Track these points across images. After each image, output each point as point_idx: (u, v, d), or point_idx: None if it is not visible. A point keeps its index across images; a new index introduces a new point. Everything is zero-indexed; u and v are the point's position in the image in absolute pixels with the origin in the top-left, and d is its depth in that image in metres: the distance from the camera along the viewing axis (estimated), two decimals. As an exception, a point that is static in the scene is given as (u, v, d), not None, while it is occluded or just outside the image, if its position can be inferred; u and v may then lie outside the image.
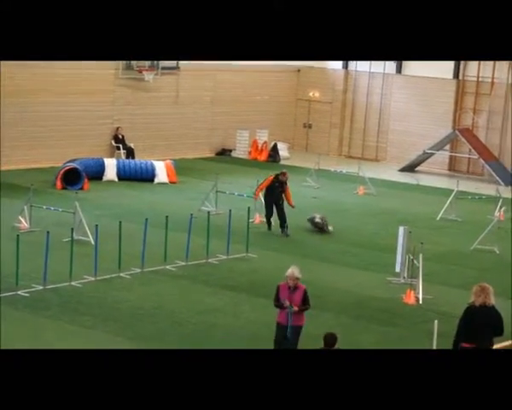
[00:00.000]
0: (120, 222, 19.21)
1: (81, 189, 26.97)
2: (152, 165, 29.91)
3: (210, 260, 20.14)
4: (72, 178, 27.57)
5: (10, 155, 29.96)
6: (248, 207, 22.14)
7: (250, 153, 36.50)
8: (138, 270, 19.02)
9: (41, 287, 17.35)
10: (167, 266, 19.47)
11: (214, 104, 36.21)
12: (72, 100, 31.53)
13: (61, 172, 27.65)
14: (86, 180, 27.69)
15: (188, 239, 19.91)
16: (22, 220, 21.97)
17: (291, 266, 13.82)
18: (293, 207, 23.40)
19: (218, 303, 17.45)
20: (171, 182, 29.69)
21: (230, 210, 21.25)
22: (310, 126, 38.99)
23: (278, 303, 13.62)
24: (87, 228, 20.84)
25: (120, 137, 32.74)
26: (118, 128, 32.78)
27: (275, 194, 23.23)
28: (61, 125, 31.44)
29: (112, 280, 18.33)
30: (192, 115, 35.47)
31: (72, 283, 17.79)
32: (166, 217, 20.14)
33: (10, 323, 15.48)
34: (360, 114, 37.97)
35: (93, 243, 19.36)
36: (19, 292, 16.98)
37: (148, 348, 14.67)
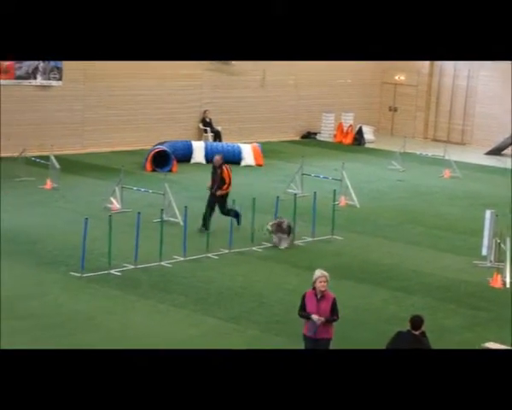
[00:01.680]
0: (209, 204, 19.36)
1: (170, 171, 27.25)
2: (239, 148, 30.05)
3: (296, 242, 20.16)
4: (161, 160, 27.87)
5: (99, 138, 30.44)
6: (334, 190, 22.10)
7: (335, 136, 36.37)
8: (226, 251, 19.15)
9: (132, 266, 17.61)
10: (254, 248, 19.56)
11: (299, 88, 36.15)
12: (161, 84, 31.85)
13: (151, 154, 27.96)
14: (175, 162, 27.96)
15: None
16: (114, 201, 22.30)
17: (317, 269, 12.36)
18: (219, 194, 20.25)
19: (304, 284, 17.44)
20: (257, 164, 29.78)
21: (315, 192, 21.23)
22: (395, 110, 38.65)
23: (303, 313, 12.07)
24: (176, 209, 21.07)
25: (208, 120, 32.97)
26: (205, 111, 33.02)
27: (212, 183, 20.45)
28: (150, 108, 31.78)
29: (200, 260, 18.49)
30: (278, 99, 35.49)
31: (162, 262, 18.01)
32: (253, 199, 20.23)
33: (103, 300, 15.79)
34: (446, 97, 37.50)
35: (182, 223, 19.57)
36: (111, 271, 17.26)
37: (235, 327, 14.84)
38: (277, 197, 20.64)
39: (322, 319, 11.84)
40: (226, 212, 20.32)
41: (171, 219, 20.82)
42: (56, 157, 24.96)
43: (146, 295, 16.20)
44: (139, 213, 18.19)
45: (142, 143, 30.49)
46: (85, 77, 30.00)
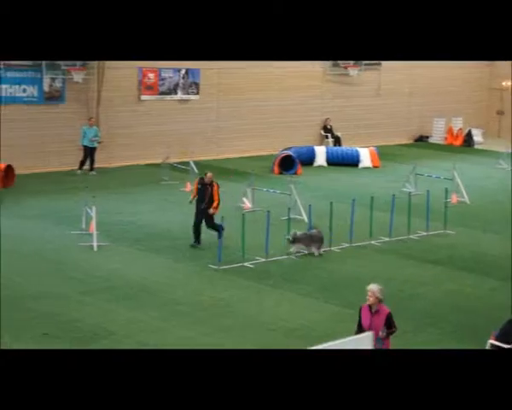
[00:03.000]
0: (331, 203, 19.40)
1: (295, 173, 27.39)
2: (357, 151, 29.97)
3: (411, 236, 19.98)
4: (287, 164, 28.05)
5: (232, 145, 30.86)
6: (446, 188, 21.80)
7: (446, 139, 35.88)
8: (347, 245, 19.14)
9: (263, 259, 17.80)
10: (372, 242, 19.48)
11: (412, 95, 35.78)
12: (285, 95, 32.03)
13: (278, 158, 28.19)
14: (299, 166, 28.09)
15: (391, 217, 19.85)
16: (246, 201, 22.58)
17: (371, 283, 11.03)
18: (211, 213, 18.48)
19: (420, 275, 17.31)
20: (374, 166, 29.63)
21: (428, 191, 20.98)
22: (502, 113, 37.79)
23: (359, 330, 10.65)
24: (301, 208, 21.18)
25: (329, 127, 32.99)
26: (327, 119, 33.04)
27: (199, 198, 18.74)
28: (276, 117, 32.00)
29: (324, 253, 18.53)
30: (392, 106, 35.21)
31: (290, 256, 18.14)
32: (371, 198, 20.15)
33: (238, 290, 16.02)
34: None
35: (307, 220, 19.65)
36: (245, 264, 17.49)
37: (352, 313, 14.79)
38: (393, 195, 20.51)
39: (382, 334, 10.50)
40: (211, 226, 18.57)
41: (297, 216, 20.93)
42: (195, 163, 25.45)
43: (276, 285, 16.35)
44: (268, 211, 18.37)
45: (269, 149, 30.74)
46: (219, 91, 30.45)
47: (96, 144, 27.01)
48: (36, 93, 26.96)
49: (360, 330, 10.59)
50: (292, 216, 19.94)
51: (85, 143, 26.83)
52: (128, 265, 17.24)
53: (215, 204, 18.42)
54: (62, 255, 17.40)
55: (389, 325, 10.58)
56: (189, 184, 24.73)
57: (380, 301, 10.60)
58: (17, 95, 26.59)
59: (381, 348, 10.43)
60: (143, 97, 29.04)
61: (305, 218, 20.27)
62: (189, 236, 19.53)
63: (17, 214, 21.11)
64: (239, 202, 22.61)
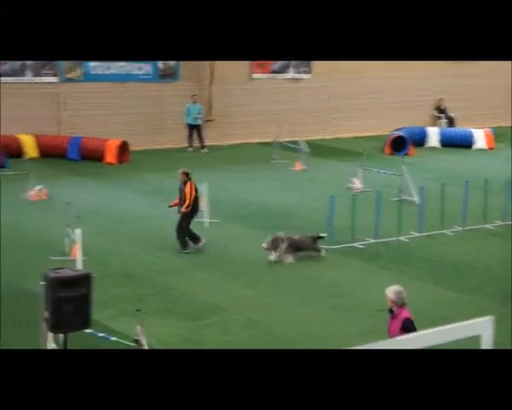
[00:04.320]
0: (443, 184, 19.01)
1: (407, 154, 26.97)
2: (471, 132, 29.29)
3: (523, 221, 19.40)
4: (398, 144, 27.66)
5: (343, 125, 30.65)
6: None
7: None
8: (459, 228, 18.73)
9: (373, 240, 17.61)
10: (486, 225, 19.00)
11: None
12: (397, 75, 31.52)
13: (390, 139, 27.83)
14: (411, 147, 27.65)
15: (505, 201, 19.30)
16: (356, 181, 22.37)
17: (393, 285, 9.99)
18: (182, 211, 16.67)
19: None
20: (489, 148, 28.89)
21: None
22: None
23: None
24: (412, 189, 20.83)
25: (442, 107, 32.34)
26: (440, 99, 32.38)
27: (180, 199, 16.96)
28: (388, 97, 31.56)
29: (435, 236, 18.20)
30: (509, 86, 34.18)
31: (400, 237, 17.87)
32: (485, 180, 19.64)
33: (347, 269, 15.92)
34: None
35: (418, 202, 19.33)
36: (354, 244, 17.35)
37: (469, 299, 14.48)
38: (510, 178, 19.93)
39: None
40: (183, 232, 16.65)
41: (408, 198, 20.61)
42: (305, 142, 25.36)
43: (386, 267, 16.15)
44: (379, 192, 18.15)
45: (380, 130, 30.36)
46: (331, 70, 30.20)
47: (199, 121, 27.20)
48: (151, 71, 27.37)
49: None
50: (403, 197, 19.65)
51: (189, 121, 27.08)
52: (237, 242, 17.34)
53: (186, 203, 16.59)
54: (171, 231, 17.58)
55: (406, 331, 9.20)
56: (299, 163, 24.68)
57: (397, 304, 9.58)
58: (133, 72, 27.06)
59: None
60: (255, 76, 29.11)
61: (417, 199, 19.92)
62: (299, 215, 19.52)
63: (131, 190, 21.53)
64: (349, 182, 22.42)
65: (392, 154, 27.28)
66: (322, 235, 16.62)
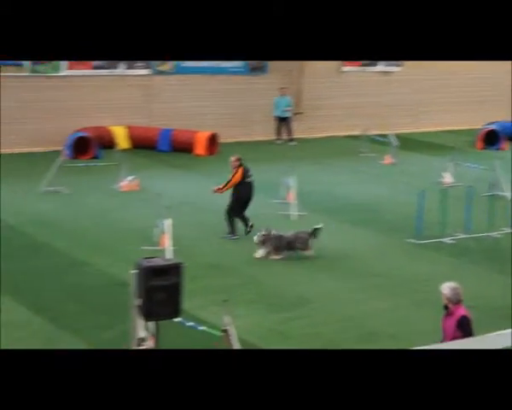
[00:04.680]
0: (537, 180, 18.57)
1: (499, 149, 26.44)
2: None
3: None
4: (491, 138, 27.13)
5: (432, 118, 30.22)
6: None
7: None
8: (553, 225, 18.27)
9: (463, 235, 17.31)
10: None
11: None
12: (488, 68, 30.85)
13: (482, 133, 27.31)
14: (504, 141, 27.08)
15: None
16: (446, 176, 22.04)
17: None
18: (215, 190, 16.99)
19: None
20: None
21: None
22: None
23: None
24: (504, 184, 20.40)
25: (536, 101, 31.52)
26: (534, 93, 31.57)
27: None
28: (479, 90, 30.98)
29: (527, 233, 17.79)
30: None
31: (491, 233, 17.53)
32: None
33: (438, 265, 15.67)
34: None
35: (509, 198, 18.91)
36: (444, 239, 17.09)
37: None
38: None
39: None
40: (234, 216, 16.71)
41: (500, 193, 20.19)
42: (395, 135, 25.10)
43: (476, 263, 15.87)
44: (470, 186, 17.83)
45: (470, 123, 29.82)
46: (421, 63, 29.74)
47: (288, 114, 27.18)
48: (241, 64, 27.50)
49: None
50: (495, 193, 19.26)
51: (278, 114, 27.11)
52: (325, 235, 17.28)
53: (223, 184, 16.85)
54: (260, 223, 17.60)
55: (462, 330, 8.99)
56: (388, 156, 24.45)
57: (452, 301, 9.21)
58: (224, 65, 27.23)
59: None
60: (344, 69, 28.95)
61: (508, 195, 19.51)
62: (388, 209, 19.36)
63: (220, 181, 21.64)
64: (439, 176, 22.10)
65: (484, 148, 26.77)
66: (318, 226, 15.89)
